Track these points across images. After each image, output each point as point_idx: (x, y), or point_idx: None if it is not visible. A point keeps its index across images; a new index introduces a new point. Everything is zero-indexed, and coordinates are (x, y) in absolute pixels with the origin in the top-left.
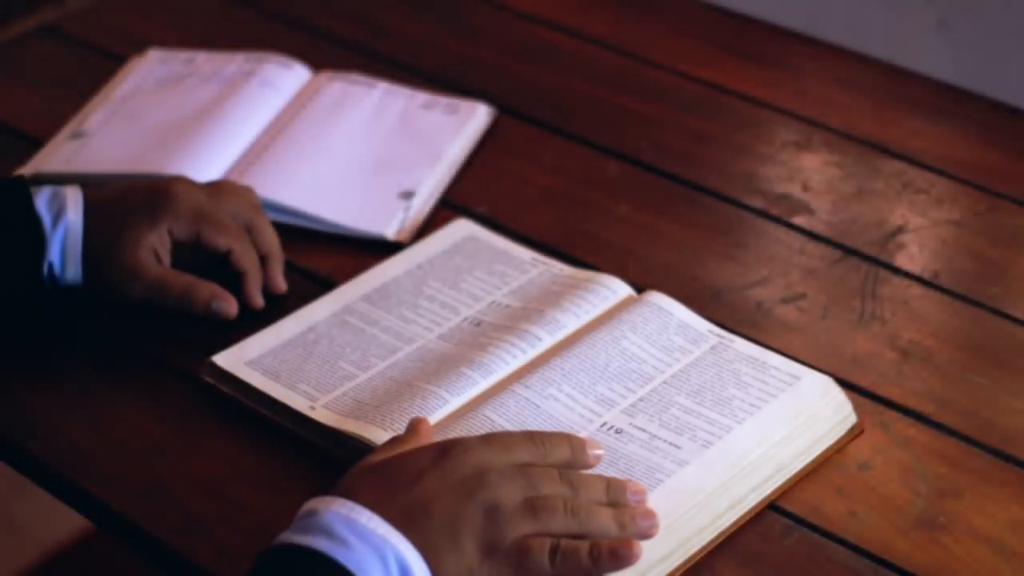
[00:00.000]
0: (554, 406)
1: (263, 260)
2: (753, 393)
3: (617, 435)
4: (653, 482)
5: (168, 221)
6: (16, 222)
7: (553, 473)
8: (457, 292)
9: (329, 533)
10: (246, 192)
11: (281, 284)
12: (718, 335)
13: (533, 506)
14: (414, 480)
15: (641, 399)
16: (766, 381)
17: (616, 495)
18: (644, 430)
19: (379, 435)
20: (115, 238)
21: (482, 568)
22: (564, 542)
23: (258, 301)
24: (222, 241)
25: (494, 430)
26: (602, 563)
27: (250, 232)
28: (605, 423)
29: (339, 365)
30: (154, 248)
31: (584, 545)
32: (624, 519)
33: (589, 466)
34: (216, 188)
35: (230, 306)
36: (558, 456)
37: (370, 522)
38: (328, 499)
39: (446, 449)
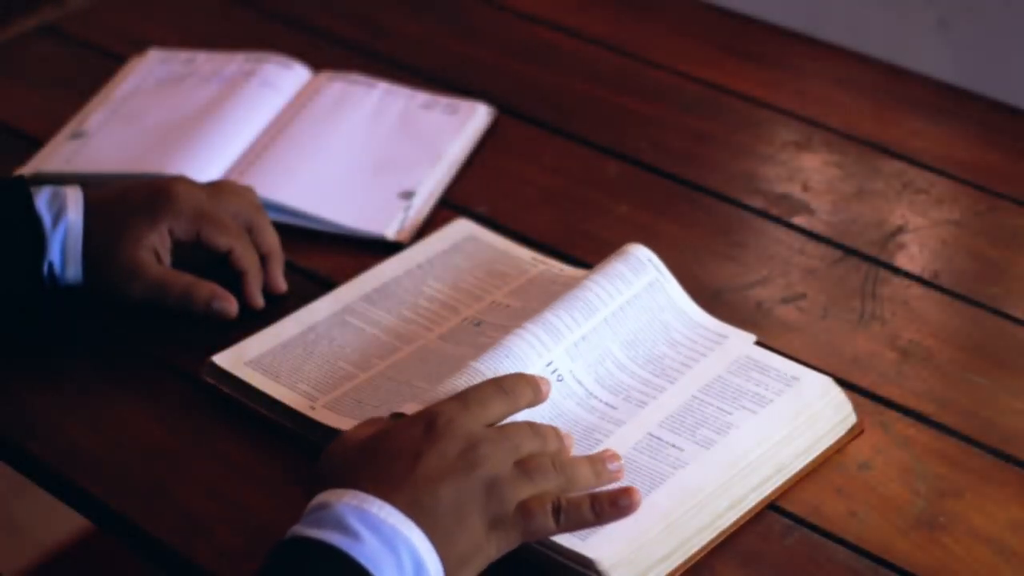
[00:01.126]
0: (553, 407)
1: (263, 260)
2: (753, 393)
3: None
4: (654, 482)
5: (168, 221)
6: (16, 222)
7: (525, 428)
8: (457, 292)
9: (342, 526)
10: (246, 192)
11: (281, 284)
12: (718, 335)
13: (526, 469)
14: (412, 462)
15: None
16: (766, 382)
17: (565, 441)
18: (644, 431)
19: None
20: (115, 238)
21: (490, 540)
22: (565, 499)
23: (258, 301)
24: (222, 241)
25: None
26: (605, 514)
27: (250, 232)
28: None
29: (339, 365)
30: (154, 248)
31: (585, 500)
32: (596, 467)
33: (544, 399)
34: (216, 188)
35: (230, 306)
36: (524, 398)
37: (381, 511)
38: (339, 492)
39: (431, 422)
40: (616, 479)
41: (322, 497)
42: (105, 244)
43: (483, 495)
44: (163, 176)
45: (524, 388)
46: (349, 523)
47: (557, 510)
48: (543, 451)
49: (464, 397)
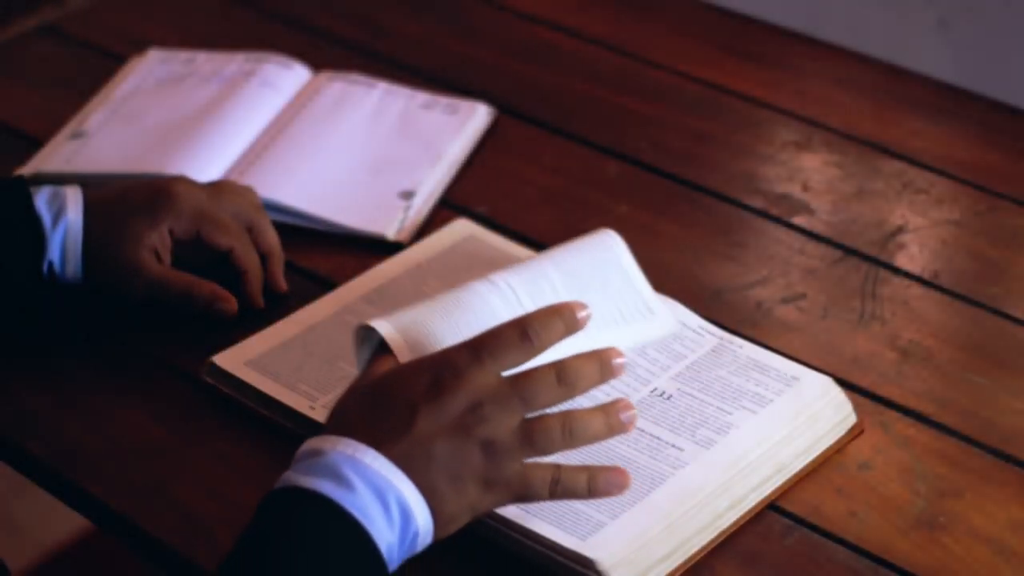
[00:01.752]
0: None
1: (264, 260)
2: (753, 393)
3: (617, 435)
4: (654, 482)
5: (169, 220)
6: (16, 221)
7: (545, 377)
8: None
9: (335, 475)
10: (247, 192)
11: (282, 284)
12: (718, 336)
13: (530, 432)
14: (412, 418)
15: (641, 400)
16: (766, 382)
17: (608, 369)
18: (644, 431)
19: None
20: (116, 237)
21: (483, 501)
22: (564, 474)
23: (258, 301)
24: (223, 241)
25: None
26: (599, 493)
27: (251, 232)
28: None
29: (339, 365)
30: (155, 247)
31: (582, 477)
32: (610, 419)
33: (582, 326)
34: (217, 188)
35: (230, 306)
36: (552, 336)
37: (375, 462)
38: (333, 439)
39: (438, 375)
40: (627, 430)
41: (315, 443)
42: (105, 243)
43: (479, 457)
44: (163, 176)
45: (552, 323)
46: (343, 472)
47: (556, 483)
48: (562, 400)
49: (478, 345)
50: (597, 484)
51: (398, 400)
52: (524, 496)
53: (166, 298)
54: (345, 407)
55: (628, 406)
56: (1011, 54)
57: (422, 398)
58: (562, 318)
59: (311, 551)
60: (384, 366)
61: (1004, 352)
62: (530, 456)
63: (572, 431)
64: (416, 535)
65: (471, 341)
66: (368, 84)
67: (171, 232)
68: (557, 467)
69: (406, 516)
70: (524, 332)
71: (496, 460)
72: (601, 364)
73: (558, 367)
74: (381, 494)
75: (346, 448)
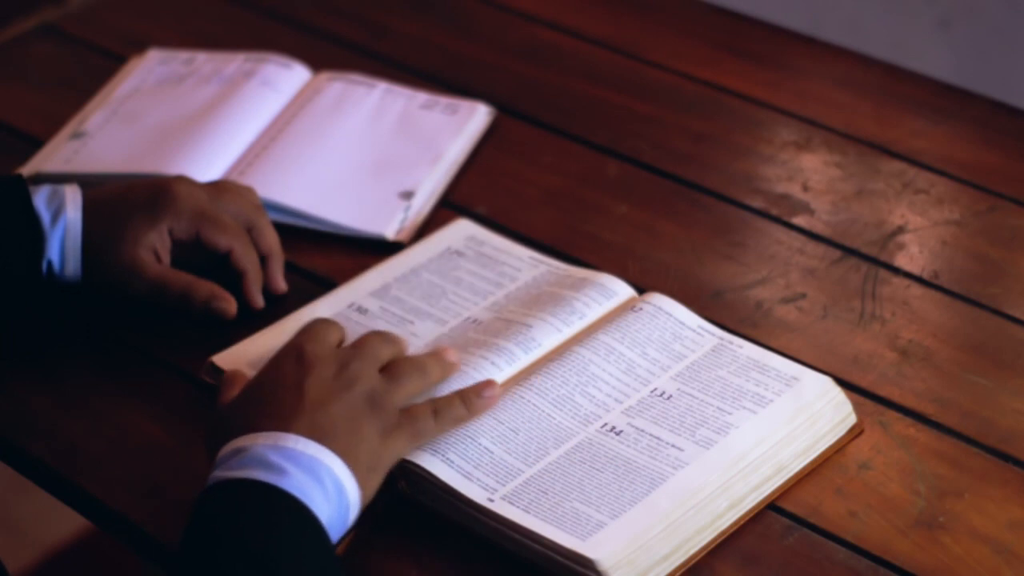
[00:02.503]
0: (554, 406)
1: (263, 260)
2: (753, 393)
3: (617, 436)
4: (654, 482)
5: (169, 220)
6: (15, 220)
7: (374, 337)
8: (457, 292)
9: (265, 464)
10: (247, 192)
11: (281, 284)
12: (718, 336)
13: (393, 375)
14: (299, 394)
15: (641, 400)
16: (766, 382)
17: (399, 345)
18: (644, 431)
19: None
20: (116, 237)
21: (385, 447)
22: (438, 400)
23: (258, 301)
24: (222, 241)
25: (497, 429)
26: (474, 406)
27: (251, 232)
28: (605, 424)
29: None
30: (154, 247)
31: (454, 397)
32: (441, 362)
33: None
34: (217, 188)
35: (229, 306)
36: (336, 332)
37: (298, 444)
38: (249, 436)
39: (298, 355)
40: (453, 368)
41: (233, 444)
42: (105, 242)
43: (367, 407)
44: (163, 176)
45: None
46: (271, 460)
47: (436, 411)
48: (397, 355)
49: (306, 328)
50: (470, 400)
51: (280, 386)
52: (416, 432)
53: (165, 298)
54: (232, 415)
55: (448, 349)
56: (1012, 54)
57: (299, 374)
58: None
59: (260, 536)
60: (232, 387)
61: (1004, 352)
62: (401, 395)
63: (418, 366)
64: (349, 503)
65: (301, 331)
66: (368, 84)
67: (171, 232)
68: (433, 399)
69: (339, 487)
70: (324, 319)
71: (379, 406)
72: (436, 357)
73: (378, 333)
74: (314, 472)
75: (266, 439)
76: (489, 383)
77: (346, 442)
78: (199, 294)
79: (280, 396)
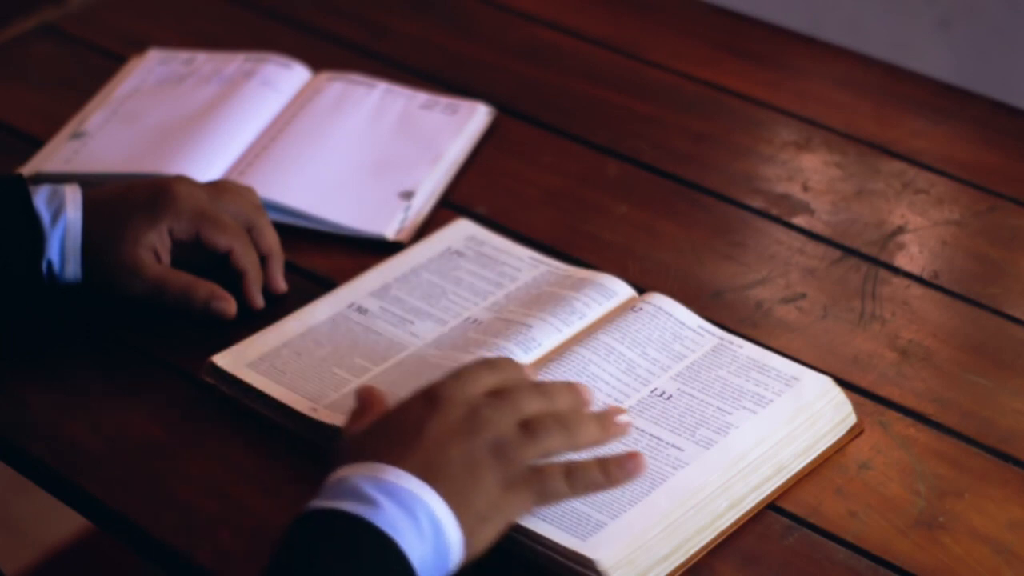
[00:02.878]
0: None
1: (263, 260)
2: (753, 393)
3: (614, 438)
4: (654, 483)
5: (169, 220)
6: (15, 220)
7: (527, 388)
8: (457, 292)
9: (359, 495)
10: (247, 192)
11: (281, 284)
12: (718, 336)
13: (530, 429)
14: (418, 432)
15: (641, 400)
16: (766, 382)
17: (580, 394)
18: (644, 431)
19: None
20: (116, 236)
21: (505, 500)
22: (575, 463)
23: (258, 301)
24: (223, 241)
25: None
26: (613, 476)
27: (250, 232)
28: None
29: (341, 365)
30: (154, 247)
31: (593, 463)
32: (603, 422)
33: (528, 377)
34: (217, 188)
35: (229, 306)
36: (514, 375)
37: (398, 479)
38: (353, 466)
39: (429, 396)
40: (624, 432)
41: (337, 473)
42: (105, 242)
43: (490, 455)
44: (163, 176)
45: (508, 365)
46: (366, 491)
47: (568, 473)
48: (548, 410)
49: (458, 373)
50: (610, 469)
51: (403, 423)
52: (544, 492)
53: (165, 298)
54: (351, 445)
55: (621, 411)
56: (1012, 54)
57: (425, 414)
58: (511, 365)
59: (339, 568)
60: (364, 420)
61: (1004, 352)
62: (535, 452)
63: (567, 425)
64: (448, 545)
65: (450, 372)
66: (368, 84)
67: (171, 232)
68: (569, 462)
69: (436, 527)
70: (487, 361)
71: (506, 457)
72: (576, 388)
73: (533, 383)
74: (408, 508)
75: (367, 470)
76: (633, 455)
77: (458, 486)
78: (199, 294)
79: (399, 432)
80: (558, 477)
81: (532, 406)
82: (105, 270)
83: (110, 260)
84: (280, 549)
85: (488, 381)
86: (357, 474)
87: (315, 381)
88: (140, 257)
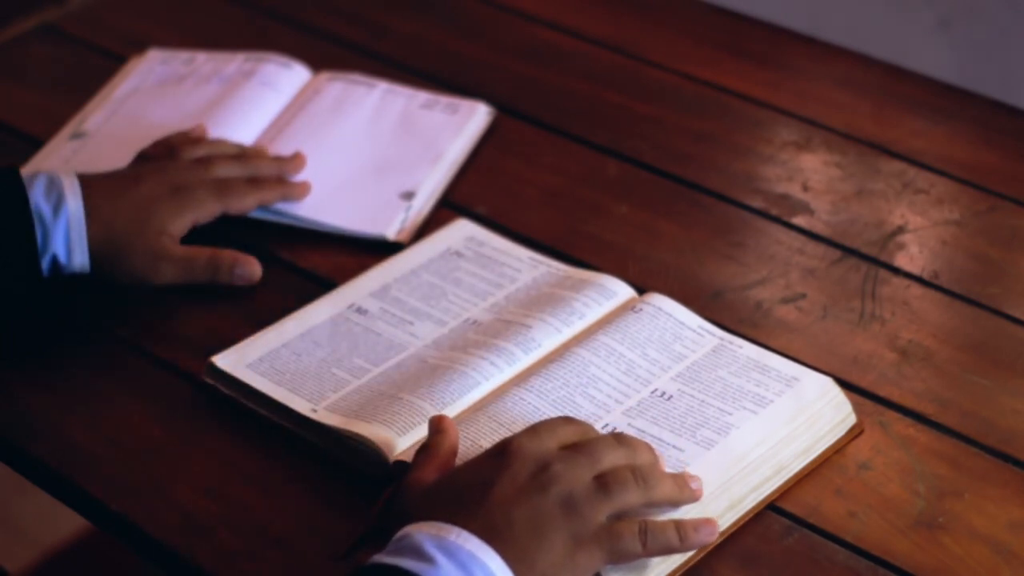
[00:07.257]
0: (554, 408)
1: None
2: (753, 394)
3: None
4: None
5: (193, 212)
6: (12, 218)
7: (606, 441)
8: (457, 293)
9: (418, 552)
10: (215, 144)
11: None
12: (718, 336)
13: (605, 484)
14: (485, 491)
15: (641, 401)
16: (766, 382)
17: (657, 452)
18: (644, 432)
19: (385, 435)
20: (138, 231)
21: (575, 559)
22: (651, 523)
23: (253, 268)
24: (249, 201)
25: (498, 431)
26: (689, 540)
27: (211, 166)
28: (606, 425)
29: (340, 366)
30: (174, 235)
31: (670, 524)
32: (680, 482)
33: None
34: (200, 160)
35: (253, 268)
36: (593, 430)
37: (459, 538)
38: (418, 524)
39: (500, 453)
40: (697, 498)
41: (404, 530)
42: (125, 233)
43: (560, 513)
44: (167, 163)
45: (586, 422)
46: (426, 550)
47: (644, 533)
48: (627, 463)
49: (535, 427)
50: (687, 532)
51: (470, 481)
52: (616, 551)
53: (194, 275)
54: (424, 500)
55: (696, 478)
56: (1011, 54)
57: (493, 471)
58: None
59: None
60: (429, 469)
61: (1004, 352)
62: (609, 508)
63: (645, 479)
64: None
65: (526, 428)
66: (368, 84)
67: (195, 223)
68: (643, 519)
69: None
70: (566, 417)
71: (577, 513)
72: (652, 447)
73: (613, 434)
74: (466, 567)
75: (430, 529)
76: (708, 521)
77: (521, 545)
78: (225, 261)
79: (467, 490)
80: (633, 536)
81: (611, 458)
82: (127, 260)
83: (133, 250)
84: None
85: (565, 434)
86: (420, 532)
87: (315, 382)
88: (164, 244)
